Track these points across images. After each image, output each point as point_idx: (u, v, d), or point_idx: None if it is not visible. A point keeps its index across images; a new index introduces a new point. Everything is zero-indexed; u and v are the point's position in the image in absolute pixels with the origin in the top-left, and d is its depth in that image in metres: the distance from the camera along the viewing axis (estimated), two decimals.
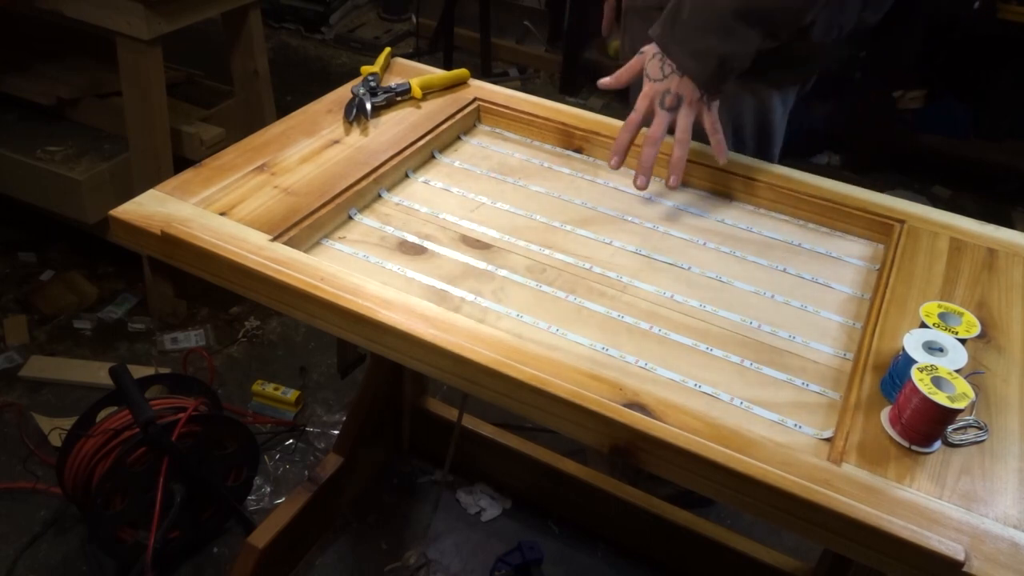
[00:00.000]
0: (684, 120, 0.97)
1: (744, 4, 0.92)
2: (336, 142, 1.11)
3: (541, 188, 1.11)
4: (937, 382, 0.71)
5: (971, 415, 0.76)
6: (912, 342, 0.77)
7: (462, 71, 1.27)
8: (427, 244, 0.99)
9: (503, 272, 0.95)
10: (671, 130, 1.01)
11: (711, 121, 0.98)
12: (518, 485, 1.62)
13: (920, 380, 0.71)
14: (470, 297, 0.91)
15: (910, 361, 0.74)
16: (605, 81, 1.05)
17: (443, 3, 3.20)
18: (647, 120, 1.01)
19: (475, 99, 1.24)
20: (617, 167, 1.00)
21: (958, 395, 0.71)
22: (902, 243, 0.99)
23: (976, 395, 0.78)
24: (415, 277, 0.93)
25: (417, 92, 1.20)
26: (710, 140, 0.99)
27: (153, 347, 1.93)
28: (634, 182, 0.98)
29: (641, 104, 0.99)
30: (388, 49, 1.31)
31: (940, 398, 0.70)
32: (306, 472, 1.65)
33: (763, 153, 1.24)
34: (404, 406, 1.60)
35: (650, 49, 1.00)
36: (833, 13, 1.10)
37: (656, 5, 1.17)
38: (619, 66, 1.07)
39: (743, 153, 1.17)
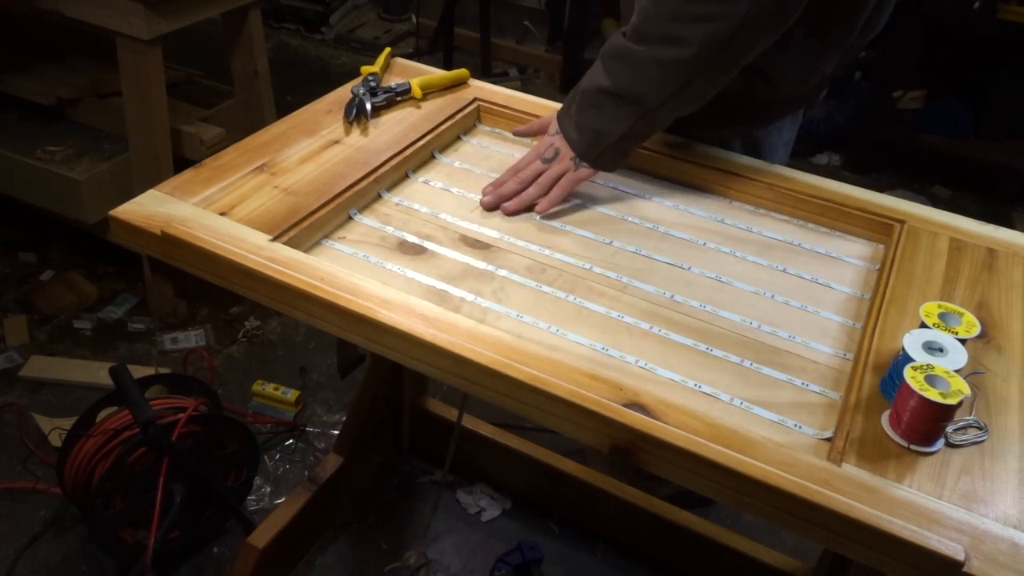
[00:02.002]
0: (552, 170, 1.04)
1: (606, 84, 0.98)
2: (336, 142, 1.11)
3: None
4: (931, 380, 0.71)
5: (971, 415, 0.76)
6: (912, 342, 0.77)
7: (462, 71, 1.27)
8: (427, 244, 0.99)
9: (503, 272, 0.95)
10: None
11: (568, 180, 1.04)
12: (518, 485, 1.62)
13: (913, 378, 0.71)
14: (470, 297, 0.91)
15: (910, 361, 0.74)
16: (520, 129, 1.16)
17: (443, 3, 3.20)
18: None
19: (475, 99, 1.24)
20: (488, 202, 1.05)
21: (952, 391, 0.71)
22: (902, 243, 0.99)
23: (976, 395, 0.78)
24: (415, 277, 0.93)
25: (417, 92, 1.20)
26: (552, 191, 1.04)
27: (153, 347, 1.93)
28: (483, 196, 1.04)
29: (528, 156, 1.07)
30: (388, 49, 1.32)
31: (932, 394, 0.70)
32: (306, 472, 1.65)
33: None
34: (404, 406, 1.60)
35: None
36: (809, 62, 1.10)
37: None
38: None
39: None
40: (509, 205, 1.02)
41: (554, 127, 1.07)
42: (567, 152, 1.04)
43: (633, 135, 1.01)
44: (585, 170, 1.04)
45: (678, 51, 0.93)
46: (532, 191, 1.04)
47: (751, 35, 0.92)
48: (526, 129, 1.15)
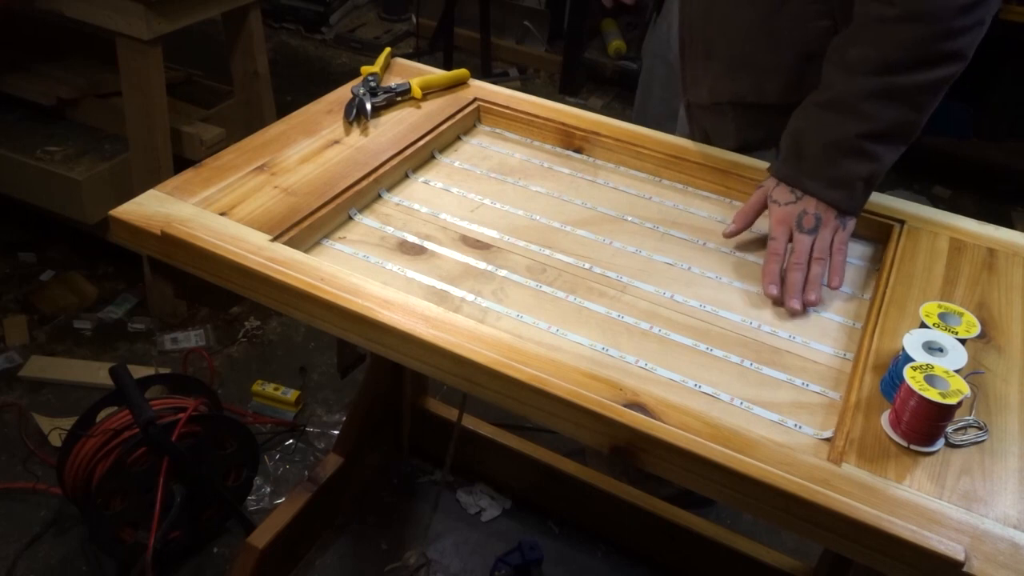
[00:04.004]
0: (823, 240, 0.95)
1: (868, 128, 0.92)
2: (336, 142, 1.11)
3: (541, 188, 1.11)
4: (931, 380, 0.72)
5: (971, 415, 0.76)
6: (912, 342, 0.77)
7: (462, 71, 1.27)
8: (427, 244, 0.99)
9: (503, 272, 0.95)
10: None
11: (842, 240, 0.96)
12: (518, 485, 1.62)
13: (912, 378, 0.71)
14: (470, 297, 0.91)
15: (910, 361, 0.74)
16: (731, 229, 1.02)
17: (443, 3, 3.20)
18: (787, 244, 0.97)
19: (475, 99, 1.24)
20: (777, 295, 0.93)
21: (951, 391, 0.71)
22: (902, 243, 0.99)
23: (976, 395, 0.78)
24: (415, 277, 0.93)
25: (417, 92, 1.20)
26: (833, 258, 0.95)
27: (153, 347, 1.93)
28: (786, 304, 0.92)
29: (778, 231, 0.96)
30: (388, 49, 1.32)
31: (932, 394, 0.70)
32: (306, 472, 1.65)
33: None
34: (404, 406, 1.60)
35: (771, 181, 1.00)
36: None
37: (726, 101, 1.18)
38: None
39: None
40: (812, 297, 0.92)
41: (786, 195, 0.97)
42: (829, 213, 0.95)
43: (888, 168, 0.95)
44: (851, 220, 0.97)
45: (952, 67, 0.90)
46: (818, 269, 0.94)
47: None
48: (745, 221, 1.01)
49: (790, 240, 0.96)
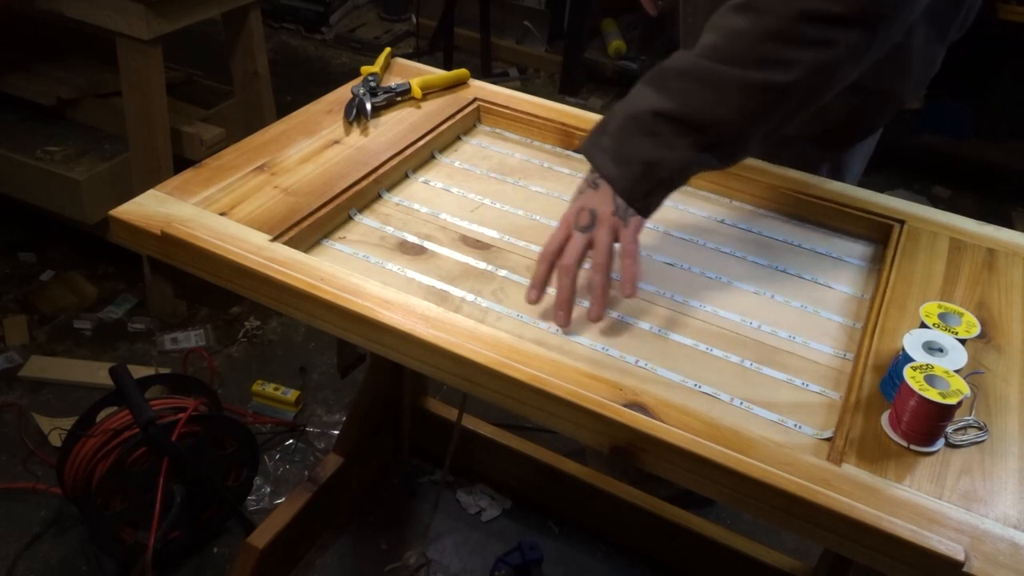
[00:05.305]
0: (600, 241, 0.84)
1: (667, 106, 0.82)
2: (336, 142, 1.11)
3: (541, 188, 1.11)
4: (930, 380, 0.72)
5: (971, 415, 0.76)
6: (912, 342, 0.77)
7: (462, 71, 1.27)
8: (427, 244, 0.99)
9: (503, 272, 0.95)
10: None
11: (626, 240, 0.85)
12: (518, 485, 1.62)
13: (912, 378, 0.71)
14: (470, 297, 0.91)
15: (910, 361, 0.74)
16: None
17: (443, 3, 3.20)
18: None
19: (475, 99, 1.24)
20: (536, 301, 0.86)
21: (951, 391, 0.71)
22: (902, 243, 0.99)
23: (976, 395, 0.78)
24: (415, 277, 0.93)
25: (417, 92, 1.20)
26: (622, 262, 0.85)
27: (153, 347, 1.93)
28: (555, 319, 0.84)
29: (558, 231, 0.87)
30: (388, 49, 1.32)
31: (932, 394, 0.70)
32: (306, 472, 1.65)
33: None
34: (404, 406, 1.60)
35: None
36: (928, 69, 1.06)
37: None
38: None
39: None
40: (593, 311, 0.83)
41: (576, 189, 0.89)
42: (606, 206, 0.85)
43: (686, 170, 0.86)
44: (635, 218, 0.86)
45: (775, 75, 0.80)
46: (597, 278, 0.84)
47: (855, 68, 0.82)
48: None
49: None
